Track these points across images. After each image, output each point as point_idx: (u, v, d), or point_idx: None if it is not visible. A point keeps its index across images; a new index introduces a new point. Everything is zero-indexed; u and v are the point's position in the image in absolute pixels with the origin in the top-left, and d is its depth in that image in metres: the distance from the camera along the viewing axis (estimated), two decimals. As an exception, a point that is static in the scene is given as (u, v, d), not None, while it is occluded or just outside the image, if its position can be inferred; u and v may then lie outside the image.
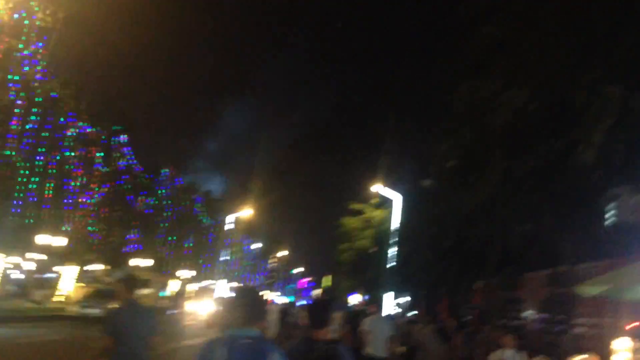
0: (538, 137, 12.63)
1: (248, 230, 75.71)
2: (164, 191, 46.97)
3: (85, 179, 30.67)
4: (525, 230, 17.00)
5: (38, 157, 25.79)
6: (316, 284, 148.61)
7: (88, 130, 29.39)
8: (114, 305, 6.69)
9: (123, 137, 35.14)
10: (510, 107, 11.31)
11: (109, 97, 32.81)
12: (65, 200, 29.58)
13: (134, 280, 6.83)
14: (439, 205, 24.21)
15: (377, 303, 45.18)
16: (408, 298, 43.67)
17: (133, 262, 44.63)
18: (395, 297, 45.71)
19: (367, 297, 56.74)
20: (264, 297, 4.07)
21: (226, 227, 64.49)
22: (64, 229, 30.32)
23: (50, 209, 28.26)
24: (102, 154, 31.43)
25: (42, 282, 35.16)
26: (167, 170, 46.06)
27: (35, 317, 26.13)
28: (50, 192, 27.32)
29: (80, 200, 30.76)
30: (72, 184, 29.45)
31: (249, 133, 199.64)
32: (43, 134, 25.98)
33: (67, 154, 28.31)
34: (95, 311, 27.96)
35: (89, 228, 33.41)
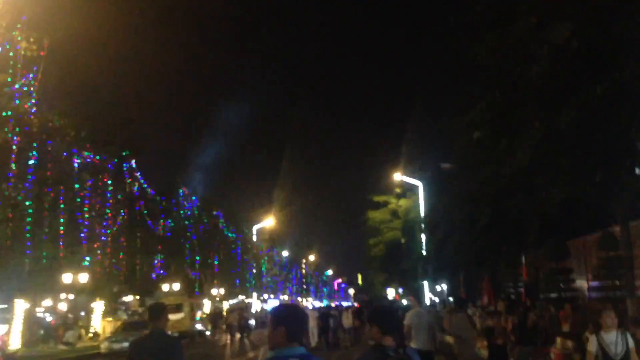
0: (580, 82, 11.27)
1: (274, 240, 74.85)
2: (182, 212, 46.09)
3: (97, 209, 29.68)
4: (570, 193, 15.61)
5: (44, 192, 24.76)
6: (347, 284, 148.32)
7: (93, 158, 28.44)
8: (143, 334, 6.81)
9: (132, 163, 34.24)
10: (548, 48, 10.06)
11: (113, 122, 31.72)
12: (82, 235, 28.63)
13: (158, 307, 6.74)
14: (469, 183, 22.91)
15: (414, 295, 44.27)
16: (444, 286, 42.27)
17: (165, 287, 43.88)
18: (433, 286, 44.59)
19: (401, 289, 55.77)
20: (303, 310, 3.95)
21: (253, 239, 63.79)
22: (85, 264, 29.31)
23: (67, 246, 27.24)
24: (109, 181, 30.39)
25: (71, 323, 34.39)
26: (182, 190, 45.07)
27: (72, 358, 25.31)
28: (61, 227, 26.26)
29: (97, 231, 29.83)
30: (86, 215, 28.49)
31: (263, 141, 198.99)
32: (46, 169, 24.97)
33: (76, 185, 27.37)
34: (124, 345, 27.05)
35: (113, 260, 32.46)
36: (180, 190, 44.99)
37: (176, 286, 44.60)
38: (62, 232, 26.39)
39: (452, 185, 27.78)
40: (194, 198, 46.89)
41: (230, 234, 53.36)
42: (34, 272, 27.07)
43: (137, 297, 43.32)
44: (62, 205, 25.90)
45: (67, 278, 31.67)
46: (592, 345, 7.53)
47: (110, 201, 30.74)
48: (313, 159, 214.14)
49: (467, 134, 18.55)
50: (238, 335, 28.76)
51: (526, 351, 13.84)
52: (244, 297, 59.34)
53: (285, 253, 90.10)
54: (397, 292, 57.99)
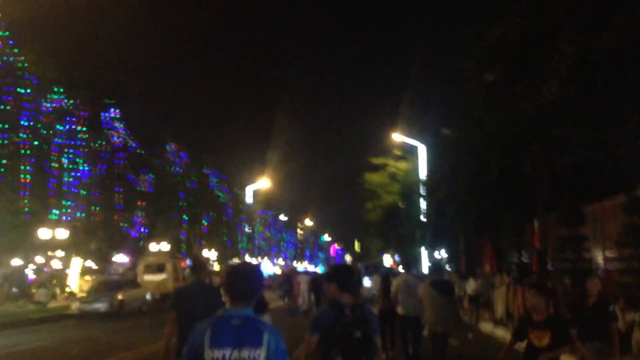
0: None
1: (269, 203, 72.79)
2: (173, 168, 43.78)
3: (71, 158, 27.17)
4: (592, 145, 13.26)
5: (4, 136, 22.17)
6: (345, 251, 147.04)
7: (62, 101, 25.83)
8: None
9: (114, 111, 31.71)
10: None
11: (92, 66, 29.05)
12: (49, 185, 26.22)
13: (199, 260, 7.55)
14: (475, 138, 20.58)
15: (408, 262, 42.39)
16: (444, 253, 40.25)
17: (153, 247, 41.89)
18: (431, 253, 42.62)
19: (397, 257, 53.93)
20: (261, 273, 3.54)
21: (246, 201, 61.68)
22: (52, 217, 27.08)
23: (35, 198, 24.86)
24: (84, 129, 27.75)
25: (44, 281, 32.35)
26: (170, 144, 42.50)
27: (36, 320, 23.20)
28: (28, 176, 23.73)
29: (69, 181, 27.43)
30: (54, 164, 26.03)
31: (259, 98, 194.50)
32: (7, 107, 22.36)
33: (43, 132, 24.83)
34: (99, 306, 25.02)
35: (90, 216, 30.17)
36: (168, 145, 42.53)
37: (166, 247, 42.63)
38: (25, 181, 23.89)
39: (456, 143, 25.44)
40: (182, 154, 44.43)
41: (221, 194, 51.05)
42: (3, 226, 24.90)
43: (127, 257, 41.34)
44: (28, 152, 23.30)
45: (43, 234, 29.58)
46: None
47: (85, 150, 28.18)
48: (309, 117, 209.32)
49: (476, 77, 16.15)
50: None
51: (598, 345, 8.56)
52: (236, 259, 57.51)
53: (282, 217, 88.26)
54: (394, 260, 56.08)
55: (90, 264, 38.44)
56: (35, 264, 36.98)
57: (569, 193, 20.39)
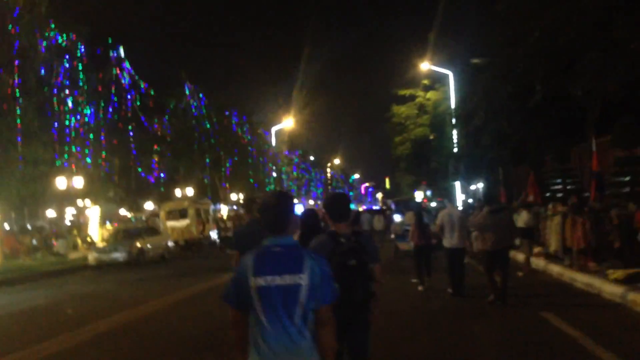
0: None
1: (294, 143, 71.10)
2: (192, 110, 41.97)
3: (73, 100, 25.35)
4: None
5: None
6: (375, 188, 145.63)
7: (58, 39, 23.88)
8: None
9: (118, 49, 29.77)
10: None
11: (92, 2, 26.80)
12: (54, 131, 24.67)
13: (249, 200, 8.18)
14: (516, 55, 18.29)
15: (443, 195, 40.48)
16: (480, 185, 38.22)
17: (176, 193, 40.65)
18: (466, 186, 40.69)
19: (429, 192, 52.14)
20: (291, 198, 3.51)
21: (271, 141, 60.05)
22: (58, 164, 25.59)
23: (40, 143, 23.31)
24: (80, 67, 25.74)
25: (63, 232, 31.30)
26: (187, 85, 40.46)
27: (51, 273, 22.08)
28: (35, 121, 22.08)
29: (74, 126, 25.74)
30: (55, 108, 24.32)
31: (281, 35, 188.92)
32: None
33: (42, 72, 22.96)
34: (117, 255, 23.79)
35: (99, 160, 28.63)
36: (185, 86, 40.56)
37: (190, 192, 41.32)
38: (33, 126, 22.29)
39: (490, 66, 23.04)
40: (200, 95, 42.44)
41: (244, 135, 49.25)
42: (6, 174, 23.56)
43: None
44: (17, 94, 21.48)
45: (60, 183, 28.28)
46: None
47: (88, 91, 26.32)
48: (333, 52, 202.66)
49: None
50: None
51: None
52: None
53: (310, 158, 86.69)
54: (425, 196, 54.24)
55: (114, 211, 37.49)
56: (62, 214, 36.10)
57: (623, 113, 18.20)
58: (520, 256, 15.75)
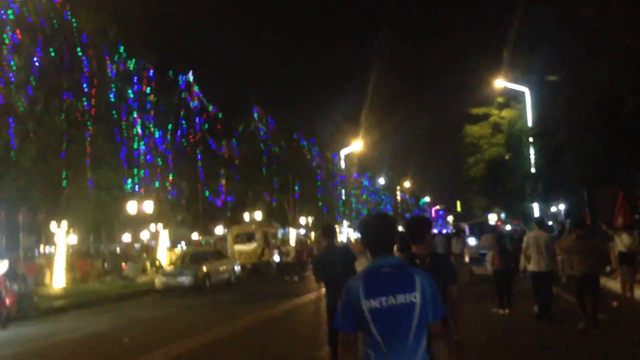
0: None
1: (363, 166, 70.19)
2: (260, 133, 41.85)
3: (140, 127, 25.43)
4: None
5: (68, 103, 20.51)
6: (446, 211, 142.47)
7: (126, 63, 24.04)
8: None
9: (187, 74, 29.90)
10: None
11: (161, 29, 26.99)
12: (122, 156, 24.68)
13: (330, 228, 8.41)
14: (601, 65, 16.86)
15: (519, 218, 38.57)
16: (562, 207, 36.20)
17: (245, 217, 40.44)
18: (545, 208, 38.65)
19: (503, 215, 50.15)
20: (393, 220, 3.58)
21: (339, 165, 59.52)
22: (128, 188, 25.64)
23: (107, 168, 23.41)
24: (148, 91, 25.85)
25: (133, 255, 31.45)
26: (256, 108, 40.41)
27: (116, 297, 21.85)
28: (104, 147, 22.21)
29: (138, 150, 25.75)
30: (125, 134, 24.40)
31: (350, 58, 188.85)
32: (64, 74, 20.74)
33: (111, 97, 23.13)
34: (183, 280, 23.39)
35: (167, 184, 28.63)
36: (254, 109, 40.48)
37: (259, 216, 40.99)
38: (103, 153, 22.45)
39: (575, 76, 21.50)
40: (269, 118, 42.32)
41: (312, 158, 48.82)
42: (80, 200, 23.75)
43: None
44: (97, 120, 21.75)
45: (131, 207, 28.38)
46: None
47: (151, 113, 26.33)
48: (403, 73, 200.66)
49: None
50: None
51: None
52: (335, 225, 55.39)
53: (380, 181, 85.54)
54: (499, 218, 52.14)
55: (186, 235, 37.56)
56: (137, 239, 36.45)
57: None
58: (615, 284, 14.21)
